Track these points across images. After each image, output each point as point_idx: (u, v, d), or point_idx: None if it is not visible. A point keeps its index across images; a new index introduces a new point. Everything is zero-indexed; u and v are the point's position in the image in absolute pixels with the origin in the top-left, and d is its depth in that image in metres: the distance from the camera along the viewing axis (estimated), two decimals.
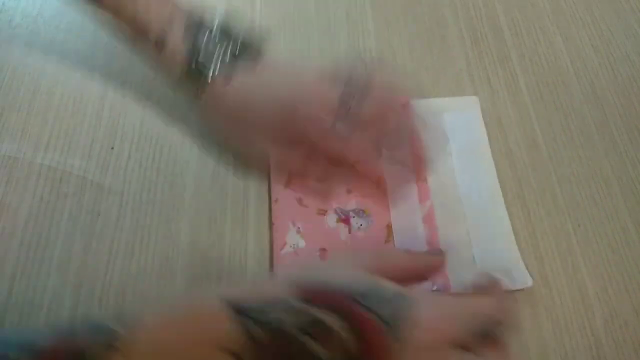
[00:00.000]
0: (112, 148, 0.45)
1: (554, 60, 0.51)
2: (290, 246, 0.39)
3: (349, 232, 0.40)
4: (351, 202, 0.41)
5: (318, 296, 0.27)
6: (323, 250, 0.39)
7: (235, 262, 0.40)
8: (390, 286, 0.29)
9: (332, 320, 0.26)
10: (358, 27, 0.52)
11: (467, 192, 0.42)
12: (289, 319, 0.25)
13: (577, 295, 0.39)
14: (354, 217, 0.41)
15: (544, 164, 0.45)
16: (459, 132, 0.45)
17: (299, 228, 0.40)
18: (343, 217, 0.41)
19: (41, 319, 0.37)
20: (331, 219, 0.41)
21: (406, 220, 0.41)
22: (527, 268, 0.40)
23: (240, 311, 0.25)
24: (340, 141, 0.37)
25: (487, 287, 0.35)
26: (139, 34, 0.38)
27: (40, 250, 0.40)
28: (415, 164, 0.43)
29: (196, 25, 0.38)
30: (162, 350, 0.24)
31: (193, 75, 0.38)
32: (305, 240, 0.40)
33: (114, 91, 0.48)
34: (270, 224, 0.41)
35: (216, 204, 0.42)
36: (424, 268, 0.36)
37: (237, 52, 0.38)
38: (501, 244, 0.40)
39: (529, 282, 0.38)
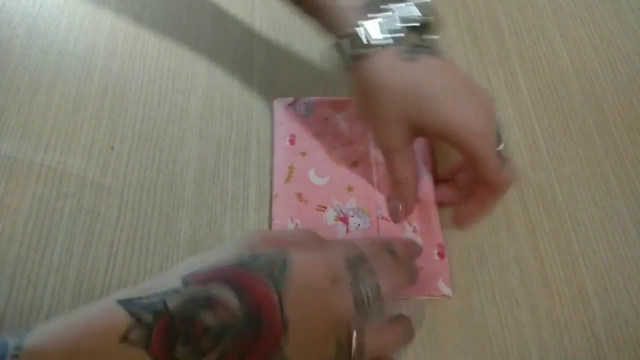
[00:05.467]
0: (112, 148, 0.45)
1: (554, 60, 0.51)
2: None
3: (347, 231, 0.40)
4: (351, 201, 0.41)
5: (206, 276, 0.28)
6: None
7: None
8: (268, 250, 0.30)
9: (219, 290, 0.27)
10: None
11: None
12: (176, 301, 0.27)
13: (577, 295, 0.39)
14: (352, 216, 0.41)
15: (544, 164, 0.45)
16: None
17: (296, 224, 0.40)
18: (342, 215, 0.41)
19: (41, 319, 0.37)
20: (330, 217, 0.41)
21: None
22: (527, 268, 0.40)
23: (129, 302, 0.27)
24: (499, 167, 0.36)
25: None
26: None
27: (40, 250, 0.40)
28: None
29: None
30: (67, 353, 0.26)
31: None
32: None
33: (113, 91, 0.48)
34: (270, 220, 0.41)
35: (216, 204, 0.43)
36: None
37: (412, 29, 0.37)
38: None
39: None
